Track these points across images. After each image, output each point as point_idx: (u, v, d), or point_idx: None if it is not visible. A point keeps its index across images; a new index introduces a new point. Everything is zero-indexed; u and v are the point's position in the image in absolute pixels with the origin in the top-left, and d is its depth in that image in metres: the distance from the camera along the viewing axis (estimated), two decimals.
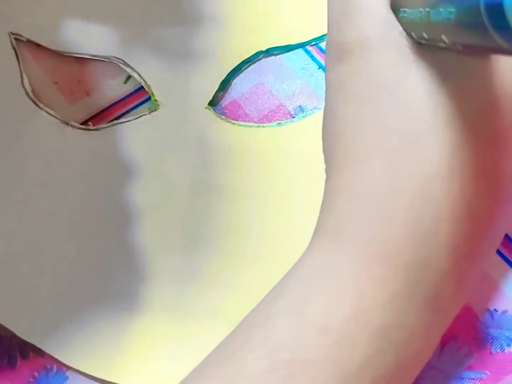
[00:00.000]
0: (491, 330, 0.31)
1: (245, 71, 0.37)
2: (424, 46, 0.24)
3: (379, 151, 0.24)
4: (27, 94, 0.35)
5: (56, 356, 0.31)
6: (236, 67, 0.36)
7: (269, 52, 0.37)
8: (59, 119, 0.35)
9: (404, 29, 0.25)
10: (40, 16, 0.37)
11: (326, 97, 0.27)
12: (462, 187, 0.24)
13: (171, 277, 0.32)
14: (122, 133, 0.35)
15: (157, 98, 0.36)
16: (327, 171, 0.26)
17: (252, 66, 0.37)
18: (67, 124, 0.35)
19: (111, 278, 0.32)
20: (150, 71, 0.36)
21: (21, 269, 0.33)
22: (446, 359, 0.31)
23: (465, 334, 0.31)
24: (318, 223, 0.26)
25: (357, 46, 0.25)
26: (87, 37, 0.37)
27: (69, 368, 0.31)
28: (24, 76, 0.36)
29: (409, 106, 0.24)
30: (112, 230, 0.33)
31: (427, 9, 0.21)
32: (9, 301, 0.32)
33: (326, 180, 0.26)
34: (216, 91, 0.36)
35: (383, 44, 0.25)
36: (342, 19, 0.26)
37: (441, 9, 0.20)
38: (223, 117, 0.35)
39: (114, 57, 0.36)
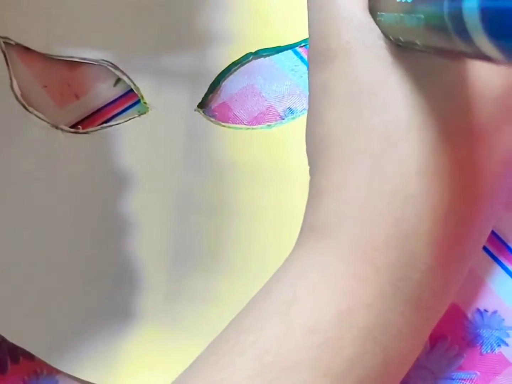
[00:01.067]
0: (481, 330, 0.31)
1: (235, 73, 0.37)
2: (402, 48, 0.25)
3: (361, 152, 0.25)
4: (17, 97, 0.35)
5: (45, 360, 0.31)
6: (225, 68, 0.36)
7: (258, 54, 0.37)
8: (49, 123, 0.35)
9: (382, 32, 0.25)
10: (29, 20, 0.37)
11: (309, 101, 0.27)
12: (440, 186, 0.24)
13: (161, 287, 0.32)
14: (112, 136, 0.35)
15: (146, 101, 0.36)
16: (311, 172, 0.27)
17: (242, 68, 0.37)
18: (56, 127, 0.35)
19: (103, 284, 0.32)
20: (139, 74, 0.36)
21: (11, 272, 0.33)
22: (436, 359, 0.31)
23: (454, 334, 0.31)
24: (303, 222, 0.26)
25: (338, 52, 0.26)
26: (76, 40, 0.37)
27: (59, 372, 0.31)
28: (14, 79, 0.36)
29: (388, 107, 0.25)
30: (103, 235, 0.33)
31: (401, 14, 0.22)
32: None
33: (310, 181, 0.27)
34: (206, 93, 0.36)
35: (363, 48, 0.25)
36: (323, 26, 0.26)
37: (412, 15, 0.21)
38: (212, 119, 0.35)
39: (104, 60, 0.36)
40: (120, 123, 0.35)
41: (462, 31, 0.17)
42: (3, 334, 0.32)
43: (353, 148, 0.25)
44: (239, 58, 0.36)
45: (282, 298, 0.25)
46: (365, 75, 0.25)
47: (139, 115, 0.36)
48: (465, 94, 0.25)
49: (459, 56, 0.23)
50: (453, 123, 0.25)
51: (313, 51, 0.27)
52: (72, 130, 0.35)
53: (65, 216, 0.34)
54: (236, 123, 0.35)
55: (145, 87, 0.36)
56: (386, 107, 0.25)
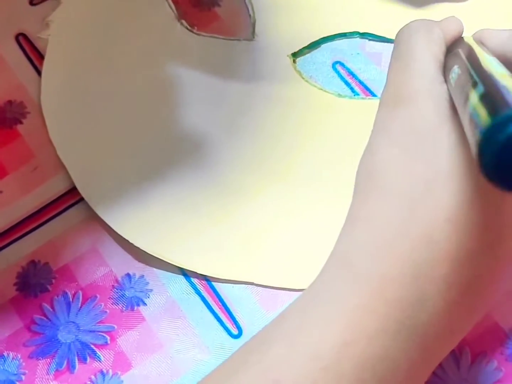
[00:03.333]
0: None
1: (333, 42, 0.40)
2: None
3: (399, 192, 0.27)
4: None
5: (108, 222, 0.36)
6: (331, 35, 0.40)
7: (364, 36, 0.40)
8: (175, 14, 0.40)
9: (448, 89, 0.28)
10: None
11: (370, 134, 0.29)
12: (464, 236, 0.26)
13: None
14: (218, 46, 0.40)
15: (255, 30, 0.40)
16: (354, 198, 0.29)
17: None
18: (178, 20, 0.40)
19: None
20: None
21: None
22: (476, 373, 0.33)
23: (493, 349, 0.33)
24: (335, 245, 0.28)
25: (406, 98, 0.28)
26: None
27: (124, 372, 0.34)
28: None
29: (434, 156, 0.27)
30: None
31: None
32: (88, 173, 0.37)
33: (350, 206, 0.28)
34: (304, 47, 0.40)
35: (427, 98, 0.27)
36: (400, 74, 0.29)
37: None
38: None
39: None
40: (228, 39, 0.40)
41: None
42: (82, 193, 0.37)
43: (393, 187, 0.27)
44: (347, 32, 0.40)
45: (292, 325, 0.26)
46: (422, 122, 0.27)
47: (243, 40, 0.40)
48: None
49: None
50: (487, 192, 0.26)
51: (385, 94, 0.29)
52: (189, 28, 0.40)
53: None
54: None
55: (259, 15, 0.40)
56: (433, 156, 0.26)
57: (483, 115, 0.20)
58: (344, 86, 0.39)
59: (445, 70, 0.29)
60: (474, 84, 0.22)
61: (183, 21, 0.40)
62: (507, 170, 0.19)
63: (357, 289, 0.26)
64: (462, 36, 0.31)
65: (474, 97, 0.21)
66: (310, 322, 0.26)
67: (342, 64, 0.39)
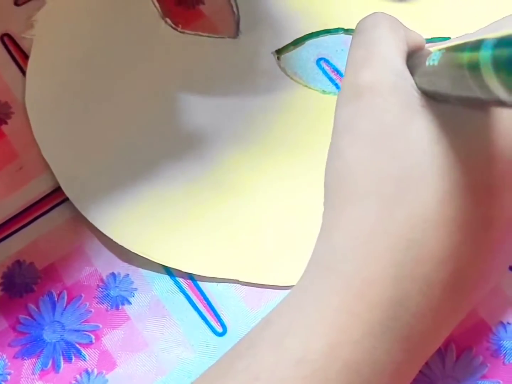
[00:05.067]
0: (504, 341, 0.33)
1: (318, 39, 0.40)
2: (432, 101, 0.26)
3: (373, 194, 0.26)
4: None
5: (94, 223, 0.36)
6: (315, 32, 0.40)
7: (349, 32, 0.40)
8: (159, 12, 0.40)
9: (416, 83, 0.27)
10: None
11: (332, 134, 0.28)
12: (445, 235, 0.25)
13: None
14: (200, 43, 0.40)
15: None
16: (325, 205, 0.28)
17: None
18: (162, 18, 0.40)
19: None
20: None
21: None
22: (461, 368, 0.33)
23: (479, 345, 0.33)
24: (312, 253, 0.27)
25: (368, 89, 0.27)
26: None
27: (109, 371, 0.34)
28: None
29: (407, 153, 0.25)
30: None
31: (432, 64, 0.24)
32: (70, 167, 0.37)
33: (324, 213, 0.28)
34: (289, 44, 0.39)
35: (393, 91, 0.26)
36: (359, 61, 0.27)
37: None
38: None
39: None
40: (211, 36, 0.40)
41: (479, 79, 0.20)
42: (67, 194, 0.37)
43: (366, 188, 0.26)
44: (331, 29, 0.40)
45: (277, 329, 0.26)
46: (389, 117, 0.26)
47: (227, 37, 0.40)
48: (488, 149, 0.25)
49: (481, 105, 0.25)
50: (469, 177, 0.25)
51: (344, 85, 0.28)
52: (173, 26, 0.40)
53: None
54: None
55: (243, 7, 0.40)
56: (404, 152, 0.25)
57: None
58: (329, 82, 0.39)
59: (411, 68, 0.27)
60: (476, 47, 0.20)
61: (167, 19, 0.40)
62: None
63: (339, 293, 0.25)
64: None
65: (485, 53, 0.20)
66: (295, 327, 0.26)
67: (326, 61, 0.39)
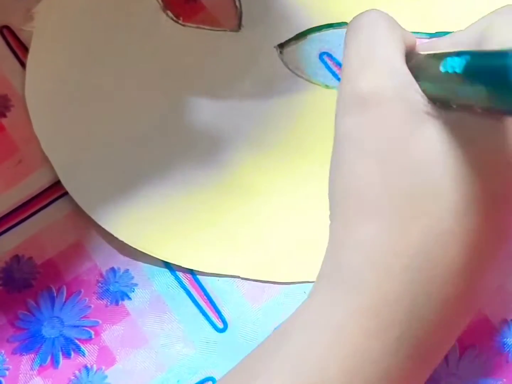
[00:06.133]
0: (508, 339, 0.33)
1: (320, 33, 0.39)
2: (440, 107, 0.25)
3: (386, 210, 0.25)
4: None
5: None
6: (318, 26, 0.39)
7: None
8: (160, 5, 0.39)
9: (421, 88, 0.25)
10: None
11: (334, 146, 0.27)
12: (459, 250, 0.25)
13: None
14: (201, 36, 0.39)
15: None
16: (331, 217, 0.27)
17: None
18: (164, 11, 0.39)
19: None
20: None
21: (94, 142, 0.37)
22: (465, 366, 0.33)
23: (482, 343, 0.33)
24: (321, 268, 0.27)
25: (371, 98, 0.25)
26: None
27: (108, 367, 0.33)
28: None
29: (416, 168, 0.24)
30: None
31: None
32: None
33: (330, 226, 0.27)
34: (291, 38, 0.39)
35: (398, 99, 0.25)
36: (360, 66, 0.26)
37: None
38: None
39: None
40: (214, 29, 0.39)
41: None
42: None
43: (376, 205, 0.25)
44: (334, 23, 0.39)
45: (292, 351, 0.25)
46: (395, 126, 0.24)
47: (229, 31, 0.39)
48: (501, 159, 0.25)
49: (491, 113, 0.24)
50: (483, 188, 0.24)
51: (343, 94, 0.26)
52: (174, 19, 0.39)
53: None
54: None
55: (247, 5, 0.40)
56: (414, 166, 0.24)
57: None
58: (332, 77, 0.38)
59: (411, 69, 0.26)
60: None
61: (169, 12, 0.40)
62: None
63: (353, 313, 0.25)
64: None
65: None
66: (312, 347, 0.25)
67: (329, 55, 0.39)
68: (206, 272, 0.35)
